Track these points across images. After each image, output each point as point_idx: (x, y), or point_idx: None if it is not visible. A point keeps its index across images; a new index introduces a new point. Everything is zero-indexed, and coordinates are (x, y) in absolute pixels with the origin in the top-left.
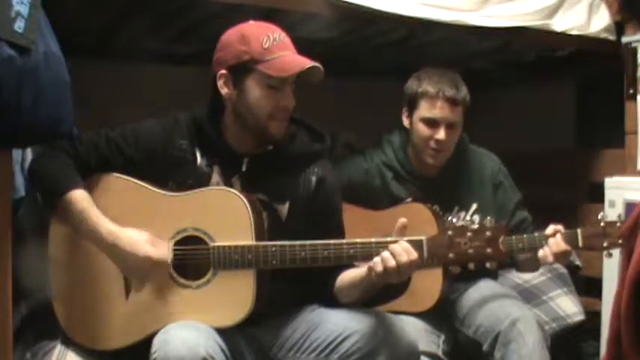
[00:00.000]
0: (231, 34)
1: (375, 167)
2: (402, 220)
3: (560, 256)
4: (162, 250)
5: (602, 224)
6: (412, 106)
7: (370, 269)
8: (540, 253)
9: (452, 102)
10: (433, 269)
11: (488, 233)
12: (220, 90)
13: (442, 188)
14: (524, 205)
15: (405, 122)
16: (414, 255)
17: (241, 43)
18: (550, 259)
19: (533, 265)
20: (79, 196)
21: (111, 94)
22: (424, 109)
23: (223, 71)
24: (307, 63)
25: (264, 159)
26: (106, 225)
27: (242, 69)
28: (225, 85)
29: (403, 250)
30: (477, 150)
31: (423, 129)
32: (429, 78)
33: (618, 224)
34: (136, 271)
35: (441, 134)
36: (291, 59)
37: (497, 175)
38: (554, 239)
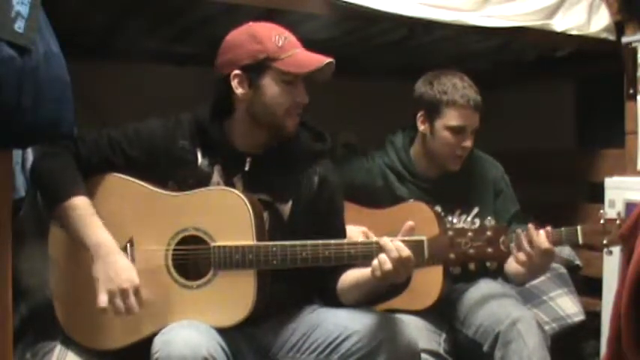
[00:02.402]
0: (239, 35)
1: (378, 168)
2: (410, 223)
3: (541, 256)
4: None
5: (601, 221)
6: (433, 113)
7: (372, 272)
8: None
9: (477, 108)
10: (433, 267)
11: (488, 233)
12: (235, 90)
13: (444, 191)
14: (520, 218)
15: (422, 127)
16: (406, 252)
17: (254, 43)
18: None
19: (522, 278)
20: (81, 202)
21: (111, 94)
22: (452, 118)
23: (237, 71)
24: (324, 59)
25: (267, 159)
26: (107, 237)
27: (258, 68)
28: (240, 85)
29: (394, 247)
30: (482, 155)
31: (448, 137)
32: (452, 85)
33: (618, 222)
34: (119, 289)
35: (468, 142)
36: (307, 56)
37: (500, 182)
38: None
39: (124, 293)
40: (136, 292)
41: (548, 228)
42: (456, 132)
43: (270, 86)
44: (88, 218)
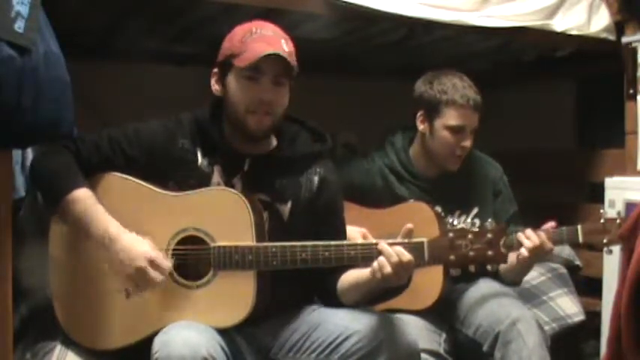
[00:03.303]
0: (228, 34)
1: (378, 169)
2: (409, 225)
3: (537, 251)
4: (164, 260)
5: (602, 221)
6: (433, 113)
7: (372, 274)
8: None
9: (476, 108)
10: (434, 267)
11: (489, 235)
12: (212, 88)
13: (444, 191)
14: (519, 219)
15: (421, 127)
16: (407, 257)
17: (227, 41)
18: (525, 254)
19: (517, 277)
20: (83, 194)
21: (111, 94)
22: (451, 117)
23: (215, 70)
24: (267, 50)
25: (266, 159)
26: (112, 223)
27: (225, 65)
28: (217, 83)
29: (394, 253)
30: (481, 156)
31: (448, 136)
32: (452, 85)
33: (618, 221)
34: (136, 270)
35: (467, 141)
36: (257, 48)
37: (499, 183)
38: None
39: (141, 271)
40: (153, 263)
41: (552, 223)
42: (455, 132)
43: (232, 83)
44: (92, 208)
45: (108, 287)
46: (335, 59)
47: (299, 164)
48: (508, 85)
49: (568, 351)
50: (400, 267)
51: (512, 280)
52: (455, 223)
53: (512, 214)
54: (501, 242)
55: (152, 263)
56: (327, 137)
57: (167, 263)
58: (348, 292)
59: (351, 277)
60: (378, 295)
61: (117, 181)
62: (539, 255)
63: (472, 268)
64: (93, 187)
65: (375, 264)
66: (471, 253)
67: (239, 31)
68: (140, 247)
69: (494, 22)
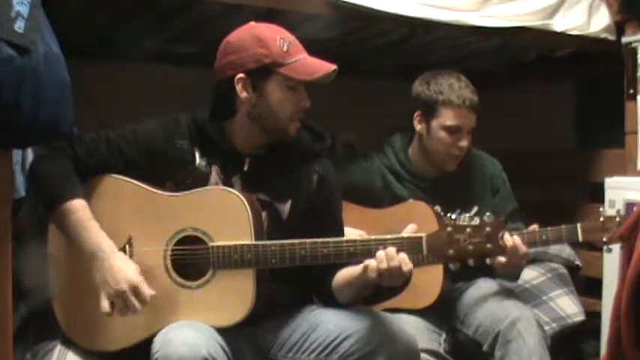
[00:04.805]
0: (243, 37)
1: (377, 169)
2: (413, 226)
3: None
4: (147, 288)
5: (601, 219)
6: (430, 113)
7: (365, 269)
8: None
9: (473, 108)
10: (434, 266)
11: (487, 229)
12: (239, 94)
13: (443, 190)
14: (518, 216)
15: (418, 127)
16: (407, 263)
17: (259, 46)
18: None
19: (513, 273)
20: (78, 205)
21: (111, 94)
22: (448, 118)
23: (241, 75)
24: (330, 66)
25: (265, 158)
26: (103, 240)
27: (262, 72)
28: (244, 88)
29: (390, 256)
30: (479, 153)
31: (445, 136)
32: (448, 85)
33: (617, 219)
34: (117, 292)
35: (464, 141)
36: (312, 62)
37: (497, 179)
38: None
39: (122, 295)
40: (135, 290)
41: (534, 226)
42: (452, 132)
43: (274, 91)
44: (85, 223)
45: None
46: (335, 59)
47: (298, 163)
48: (508, 85)
49: (568, 351)
50: (387, 273)
51: (507, 273)
52: (454, 218)
53: (510, 210)
54: (500, 235)
55: (134, 290)
56: (327, 136)
57: (149, 291)
58: (341, 289)
59: (345, 273)
60: (372, 293)
61: (115, 182)
62: (513, 260)
63: (471, 262)
64: (91, 188)
65: (371, 262)
66: (470, 247)
67: (269, 37)
68: (126, 271)
69: (494, 22)
